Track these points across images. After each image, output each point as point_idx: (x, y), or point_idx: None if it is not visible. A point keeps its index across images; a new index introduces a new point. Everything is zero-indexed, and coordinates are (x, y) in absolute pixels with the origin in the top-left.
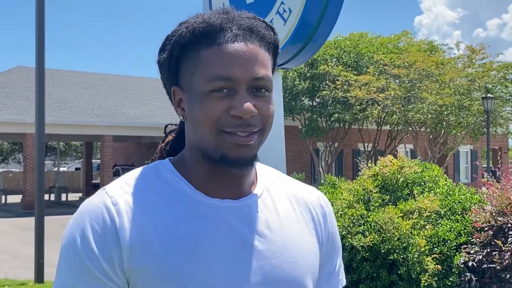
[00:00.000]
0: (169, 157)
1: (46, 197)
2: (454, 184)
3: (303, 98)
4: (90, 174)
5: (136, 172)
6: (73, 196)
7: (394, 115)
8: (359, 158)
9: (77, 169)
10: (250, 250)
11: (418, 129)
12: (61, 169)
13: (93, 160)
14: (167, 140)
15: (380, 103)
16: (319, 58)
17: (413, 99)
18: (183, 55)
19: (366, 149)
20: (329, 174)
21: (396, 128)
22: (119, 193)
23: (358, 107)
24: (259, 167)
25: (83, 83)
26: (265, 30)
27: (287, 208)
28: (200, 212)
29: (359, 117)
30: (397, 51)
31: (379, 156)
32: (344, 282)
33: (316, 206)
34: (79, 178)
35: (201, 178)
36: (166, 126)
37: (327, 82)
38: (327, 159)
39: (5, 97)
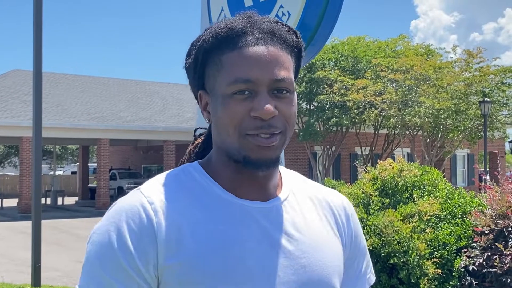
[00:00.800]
0: (197, 160)
1: (42, 201)
2: (454, 187)
3: (300, 102)
4: (86, 178)
5: (167, 174)
6: (69, 200)
7: (391, 119)
8: (357, 162)
9: (73, 173)
10: (281, 250)
11: (415, 133)
12: (57, 172)
13: (89, 164)
14: (196, 142)
15: (377, 106)
16: (317, 63)
17: (410, 103)
18: (207, 59)
19: (364, 152)
20: (327, 177)
21: (393, 132)
22: (154, 193)
23: (355, 110)
24: (283, 170)
25: (80, 86)
26: (287, 33)
27: (312, 210)
28: (232, 213)
29: (356, 120)
30: (395, 55)
31: (378, 160)
32: (372, 280)
33: (340, 208)
34: (75, 182)
35: (229, 179)
36: (195, 130)
37: (325, 86)
38: (324, 162)
39: (1, 100)
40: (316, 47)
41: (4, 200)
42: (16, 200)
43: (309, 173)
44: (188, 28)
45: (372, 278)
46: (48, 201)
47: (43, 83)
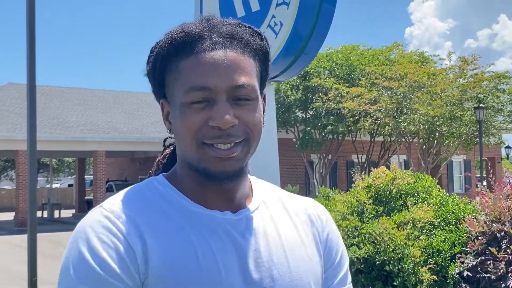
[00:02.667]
0: (163, 173)
1: (39, 214)
2: (447, 194)
3: (296, 111)
4: (83, 190)
5: (130, 189)
6: (66, 213)
7: (387, 127)
8: (353, 170)
9: (70, 185)
10: (251, 261)
11: (411, 140)
12: (54, 185)
13: (86, 176)
14: (165, 153)
15: (372, 115)
16: (311, 71)
17: (405, 110)
18: (165, 66)
19: (360, 160)
20: (323, 186)
21: (389, 139)
22: (118, 207)
23: (351, 118)
24: (254, 180)
25: (75, 99)
26: (250, 36)
27: (285, 220)
28: (201, 224)
29: (352, 128)
30: (389, 63)
31: (372, 168)
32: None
33: (315, 216)
34: (72, 194)
35: (196, 191)
36: (165, 140)
37: (320, 94)
38: (321, 171)
39: None
40: (308, 56)
41: (1, 213)
42: (13, 213)
43: (306, 182)
44: None
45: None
46: (45, 214)
47: (38, 96)
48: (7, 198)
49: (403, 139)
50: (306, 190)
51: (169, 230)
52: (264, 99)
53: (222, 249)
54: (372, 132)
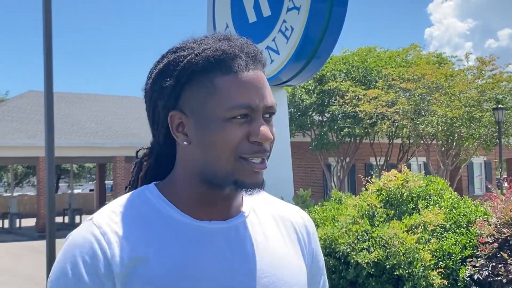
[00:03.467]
0: (155, 182)
1: (60, 219)
2: (459, 197)
3: (312, 114)
4: (103, 196)
5: (122, 199)
6: (87, 218)
7: (405, 129)
8: (371, 172)
9: (91, 190)
10: (240, 270)
11: (429, 142)
12: (76, 191)
13: (106, 182)
14: (144, 166)
15: (389, 117)
16: (328, 74)
17: (423, 112)
18: (192, 81)
19: (379, 163)
20: (341, 189)
21: (407, 142)
22: (106, 223)
23: (368, 121)
24: None
25: (95, 105)
26: (261, 55)
27: (273, 228)
28: (188, 235)
29: (369, 131)
30: (406, 65)
31: (382, 171)
32: None
33: (301, 225)
34: (92, 199)
35: (190, 202)
36: (138, 151)
37: (336, 97)
38: (339, 174)
39: (17, 121)
40: (320, 60)
41: (23, 219)
42: (35, 219)
43: (324, 185)
44: None
45: None
46: (66, 219)
47: (58, 103)
48: (29, 204)
49: (422, 141)
50: (324, 193)
51: (155, 244)
52: None
53: (210, 258)
54: (390, 134)
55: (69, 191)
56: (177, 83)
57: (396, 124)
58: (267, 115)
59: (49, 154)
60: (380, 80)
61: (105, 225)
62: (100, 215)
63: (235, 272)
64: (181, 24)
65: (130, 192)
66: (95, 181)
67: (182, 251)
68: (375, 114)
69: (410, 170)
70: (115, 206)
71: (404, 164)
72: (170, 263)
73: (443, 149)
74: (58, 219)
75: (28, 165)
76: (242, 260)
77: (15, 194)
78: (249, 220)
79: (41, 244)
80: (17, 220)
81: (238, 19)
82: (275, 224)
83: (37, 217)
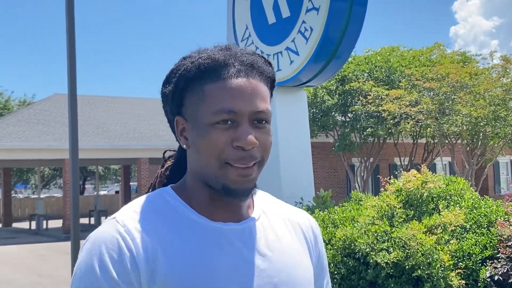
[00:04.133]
0: (171, 184)
1: (86, 221)
2: (480, 197)
3: (335, 114)
4: (128, 197)
5: (142, 199)
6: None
7: (429, 128)
8: (395, 173)
9: (117, 192)
10: (254, 270)
11: (454, 142)
12: (102, 192)
13: (131, 183)
14: (167, 165)
15: (413, 117)
16: (350, 75)
17: (447, 111)
18: (187, 88)
19: (403, 163)
20: (365, 190)
21: (432, 141)
22: (129, 221)
23: (391, 121)
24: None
25: (119, 108)
26: (264, 65)
27: (283, 230)
28: (205, 236)
29: (392, 131)
30: (430, 64)
31: (402, 171)
32: None
33: (308, 228)
34: (118, 201)
35: (203, 203)
36: (164, 152)
37: (359, 97)
38: (362, 174)
39: (43, 124)
40: (340, 60)
41: (50, 221)
42: (61, 221)
43: (348, 186)
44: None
45: None
46: (92, 220)
47: (83, 106)
48: (56, 206)
49: (447, 141)
50: (347, 194)
51: (176, 242)
52: None
53: (226, 258)
54: (414, 134)
55: (95, 193)
56: (175, 90)
57: (420, 123)
58: (257, 122)
59: (73, 156)
60: (403, 80)
61: (129, 223)
62: (123, 214)
63: (250, 271)
64: (202, 27)
65: (148, 194)
66: (120, 183)
67: (202, 251)
68: (399, 114)
69: (429, 171)
70: (137, 206)
71: (424, 164)
72: (191, 261)
73: (468, 148)
74: (84, 220)
75: (55, 167)
76: (257, 260)
77: (42, 195)
78: (261, 222)
79: (67, 245)
80: (44, 222)
81: (257, 20)
82: (284, 225)
83: (64, 218)
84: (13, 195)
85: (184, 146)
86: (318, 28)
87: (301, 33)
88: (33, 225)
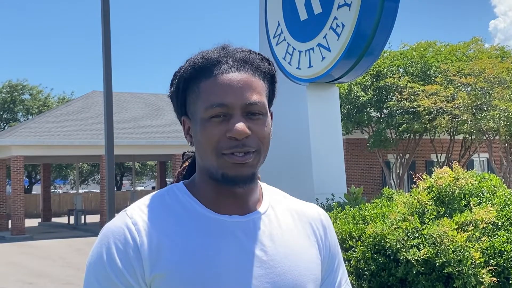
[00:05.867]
0: (183, 180)
1: None
2: None
3: (370, 110)
4: None
5: (153, 195)
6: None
7: (465, 124)
8: (432, 169)
9: (153, 188)
10: (255, 260)
11: (492, 138)
12: (139, 188)
13: (167, 179)
14: (184, 165)
15: (449, 112)
16: (385, 70)
17: (485, 106)
18: (187, 88)
19: (440, 159)
20: (400, 186)
21: (469, 138)
22: (137, 214)
23: (427, 116)
24: (264, 186)
25: (155, 104)
26: (260, 61)
27: (290, 223)
28: (210, 227)
29: (428, 127)
30: (466, 59)
31: (434, 168)
32: None
33: (317, 221)
34: None
35: (210, 197)
36: (184, 154)
37: (394, 93)
38: (398, 171)
39: (81, 121)
40: (372, 56)
41: (88, 216)
42: (99, 216)
43: (383, 182)
44: (249, 44)
45: (348, 287)
46: None
47: (120, 103)
48: (94, 201)
49: (484, 137)
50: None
51: (180, 233)
52: (271, 116)
53: (228, 249)
54: (451, 130)
55: (132, 189)
56: (177, 91)
57: (456, 119)
58: (251, 114)
59: (109, 152)
60: (439, 75)
61: (136, 216)
62: (133, 207)
63: (251, 261)
64: (236, 23)
65: (160, 189)
66: (156, 179)
67: (205, 241)
68: (434, 109)
69: (464, 168)
70: (147, 200)
71: (461, 161)
72: (193, 251)
73: (506, 144)
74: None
75: (93, 163)
76: (259, 251)
77: (80, 191)
78: (267, 214)
79: None
80: (82, 217)
81: (289, 17)
82: (291, 218)
83: (101, 213)
84: (52, 190)
85: (189, 144)
86: (349, 24)
87: (332, 29)
88: (72, 220)
